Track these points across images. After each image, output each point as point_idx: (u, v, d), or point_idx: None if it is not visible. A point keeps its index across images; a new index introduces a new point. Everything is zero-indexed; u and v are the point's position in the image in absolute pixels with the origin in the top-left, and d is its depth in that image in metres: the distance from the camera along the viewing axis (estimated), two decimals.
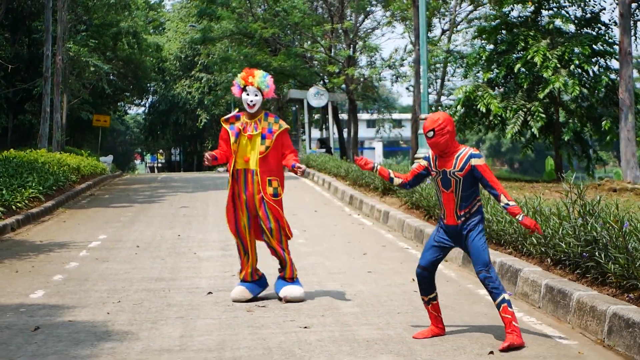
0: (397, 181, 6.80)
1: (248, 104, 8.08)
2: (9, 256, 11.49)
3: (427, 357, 5.97)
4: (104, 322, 7.24)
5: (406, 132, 58.89)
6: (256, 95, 8.07)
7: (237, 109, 8.61)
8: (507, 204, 6.40)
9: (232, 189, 8.12)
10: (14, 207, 15.89)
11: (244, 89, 8.12)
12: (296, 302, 7.96)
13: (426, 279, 6.58)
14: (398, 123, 63.39)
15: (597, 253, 7.31)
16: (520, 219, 6.37)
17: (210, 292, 8.54)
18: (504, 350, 6.08)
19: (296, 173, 8.09)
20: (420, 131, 18.95)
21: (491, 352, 6.04)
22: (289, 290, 8.05)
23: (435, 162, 6.45)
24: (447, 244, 6.54)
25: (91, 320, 7.30)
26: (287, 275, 8.15)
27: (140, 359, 6.02)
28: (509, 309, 6.21)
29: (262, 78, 8.11)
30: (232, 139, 8.09)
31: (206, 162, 8.20)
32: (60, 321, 7.29)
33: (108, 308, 7.85)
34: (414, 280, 8.98)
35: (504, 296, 6.26)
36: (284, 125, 8.24)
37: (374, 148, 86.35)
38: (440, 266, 9.99)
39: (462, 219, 6.38)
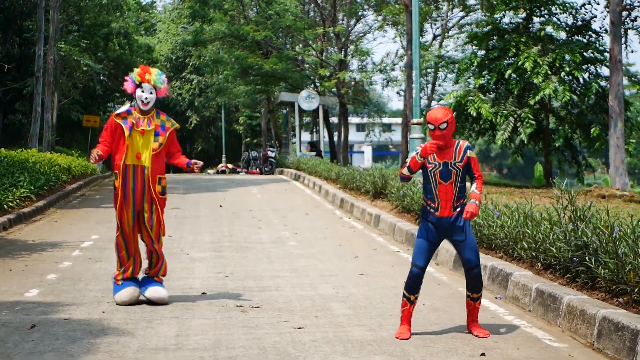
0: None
1: (142, 101, 8.10)
2: (2, 255, 11.53)
3: (419, 358, 6.07)
4: (100, 320, 7.31)
5: (396, 136, 59.12)
6: (151, 92, 8.11)
7: (129, 104, 8.64)
8: (474, 191, 6.64)
9: (120, 183, 8.12)
10: (5, 206, 15.92)
11: (138, 86, 8.15)
12: (161, 304, 8.01)
13: (420, 279, 6.72)
14: (388, 127, 63.57)
15: (587, 258, 7.41)
16: (471, 202, 6.55)
17: (204, 293, 8.61)
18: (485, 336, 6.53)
19: (194, 170, 8.23)
20: (412, 135, 19.05)
21: (483, 354, 6.14)
22: (155, 291, 8.10)
23: (434, 155, 6.61)
24: (437, 241, 6.72)
25: (87, 319, 7.36)
26: (154, 273, 8.25)
27: (137, 357, 6.09)
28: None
29: (157, 76, 8.15)
30: (127, 133, 8.09)
31: (92, 161, 8.11)
32: (56, 319, 7.35)
33: (103, 307, 7.92)
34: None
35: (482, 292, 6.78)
36: (175, 124, 8.37)
37: (363, 152, 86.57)
38: (430, 269, 10.14)
39: (458, 209, 6.56)
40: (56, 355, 6.11)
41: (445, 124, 6.55)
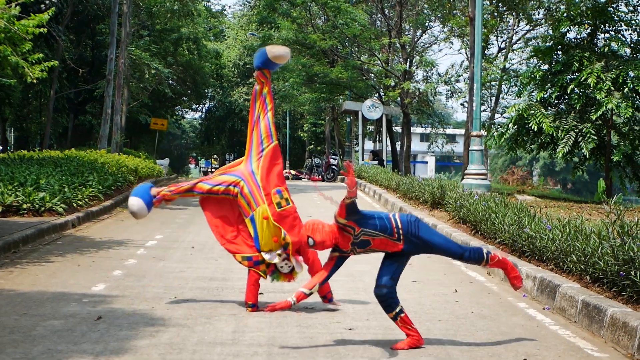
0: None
1: None
2: (71, 251, 12.05)
3: None
4: (162, 315, 7.69)
5: (459, 147, 59.04)
6: None
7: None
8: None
9: None
10: (74, 204, 16.51)
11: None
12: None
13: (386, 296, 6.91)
14: (452, 138, 63.60)
15: (633, 272, 7.61)
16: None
17: (261, 293, 8.93)
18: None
19: None
20: (472, 147, 19.24)
21: None
22: None
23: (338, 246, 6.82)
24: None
25: (149, 313, 7.75)
26: None
27: (196, 349, 6.46)
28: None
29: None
30: None
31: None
32: (120, 312, 7.76)
33: (165, 303, 8.30)
34: (456, 291, 9.35)
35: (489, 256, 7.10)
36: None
37: (426, 162, 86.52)
38: (481, 279, 10.39)
39: None
40: (120, 345, 6.49)
41: (312, 241, 6.64)
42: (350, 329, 7.32)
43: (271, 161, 8.14)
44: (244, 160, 8.28)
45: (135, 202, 8.12)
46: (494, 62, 39.31)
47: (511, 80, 38.38)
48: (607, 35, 23.50)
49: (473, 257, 7.03)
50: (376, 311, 8.17)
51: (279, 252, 7.96)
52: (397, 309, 6.78)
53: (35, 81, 17.06)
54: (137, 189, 8.31)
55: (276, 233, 7.91)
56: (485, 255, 7.00)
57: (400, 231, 6.76)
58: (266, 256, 7.93)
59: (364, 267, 10.96)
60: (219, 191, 8.10)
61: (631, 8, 24.11)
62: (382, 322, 7.67)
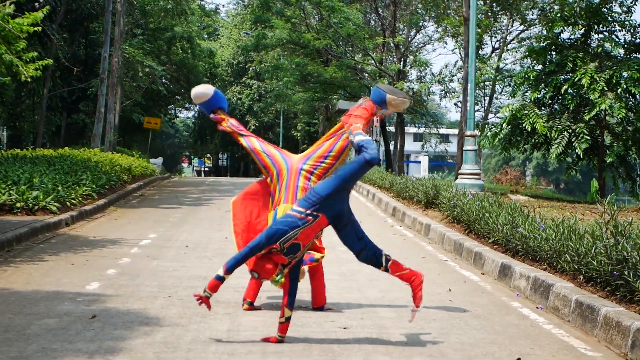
0: None
1: None
2: (65, 249, 12.05)
3: None
4: (156, 314, 7.69)
5: (452, 147, 59.08)
6: None
7: None
8: None
9: None
10: (68, 203, 16.51)
11: None
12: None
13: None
14: (445, 138, 63.66)
15: (626, 272, 7.64)
16: None
17: None
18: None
19: None
20: (466, 147, 19.29)
21: (518, 359, 6.39)
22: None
23: None
24: None
25: (144, 312, 7.75)
26: None
27: (190, 347, 6.46)
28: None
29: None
30: None
31: None
32: (115, 311, 7.77)
33: (159, 302, 8.31)
34: (450, 290, 9.37)
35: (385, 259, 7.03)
36: None
37: (420, 162, 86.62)
38: (475, 278, 10.42)
39: None
40: (115, 343, 6.49)
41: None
42: (344, 328, 7.33)
43: (318, 177, 8.12)
44: (302, 155, 8.27)
45: (202, 87, 8.56)
46: (488, 62, 39.35)
47: (505, 80, 38.43)
48: (600, 35, 23.59)
49: (369, 257, 7.00)
50: (370, 310, 8.20)
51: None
52: (383, 260, 6.93)
53: (29, 80, 17.06)
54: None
55: None
56: (384, 262, 6.97)
57: (309, 211, 6.70)
58: None
59: (356, 267, 10.97)
60: (262, 159, 8.19)
61: (625, 9, 24.15)
62: (376, 321, 7.69)
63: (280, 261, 6.68)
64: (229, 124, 8.32)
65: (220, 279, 6.55)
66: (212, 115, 8.39)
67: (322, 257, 8.06)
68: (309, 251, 7.91)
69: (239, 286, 9.37)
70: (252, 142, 8.25)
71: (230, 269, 6.57)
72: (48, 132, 44.04)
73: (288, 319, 6.71)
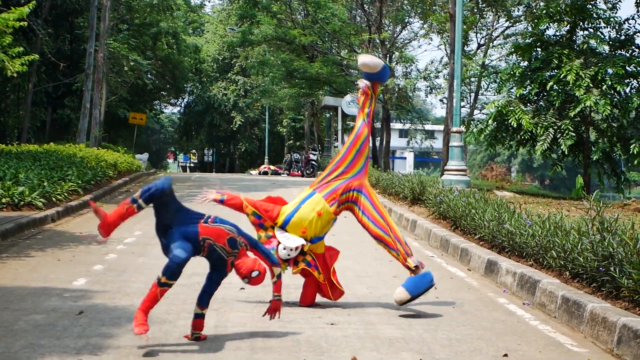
0: None
1: None
2: (51, 245, 12.03)
3: (444, 356, 6.37)
4: None
5: (438, 143, 59.18)
6: None
7: None
8: None
9: None
10: (54, 199, 16.47)
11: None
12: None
13: None
14: (430, 134, 63.70)
15: (612, 268, 7.67)
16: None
17: (242, 288, 8.95)
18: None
19: None
20: (452, 143, 19.32)
21: (505, 355, 6.42)
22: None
23: None
24: None
25: (131, 308, 7.73)
26: None
27: (179, 343, 6.47)
28: None
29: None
30: None
31: None
32: (102, 307, 7.76)
33: None
34: (436, 288, 9.37)
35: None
36: None
37: (405, 158, 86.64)
38: (462, 274, 10.45)
39: None
40: (102, 339, 6.49)
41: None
42: (331, 324, 7.35)
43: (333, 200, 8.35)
44: (360, 172, 8.45)
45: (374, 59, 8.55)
46: (474, 58, 39.40)
47: (490, 76, 38.50)
48: (586, 32, 23.60)
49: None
50: (357, 306, 8.21)
51: (292, 245, 7.95)
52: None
53: (15, 75, 17.00)
54: None
55: (310, 230, 7.97)
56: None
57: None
58: (277, 232, 7.98)
59: (344, 263, 11.00)
60: (365, 146, 8.47)
61: (610, 5, 24.22)
62: (363, 317, 7.71)
63: (245, 256, 6.81)
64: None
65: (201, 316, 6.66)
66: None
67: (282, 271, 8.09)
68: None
69: (225, 282, 9.35)
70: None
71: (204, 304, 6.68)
72: (33, 128, 43.85)
73: (279, 277, 6.86)
